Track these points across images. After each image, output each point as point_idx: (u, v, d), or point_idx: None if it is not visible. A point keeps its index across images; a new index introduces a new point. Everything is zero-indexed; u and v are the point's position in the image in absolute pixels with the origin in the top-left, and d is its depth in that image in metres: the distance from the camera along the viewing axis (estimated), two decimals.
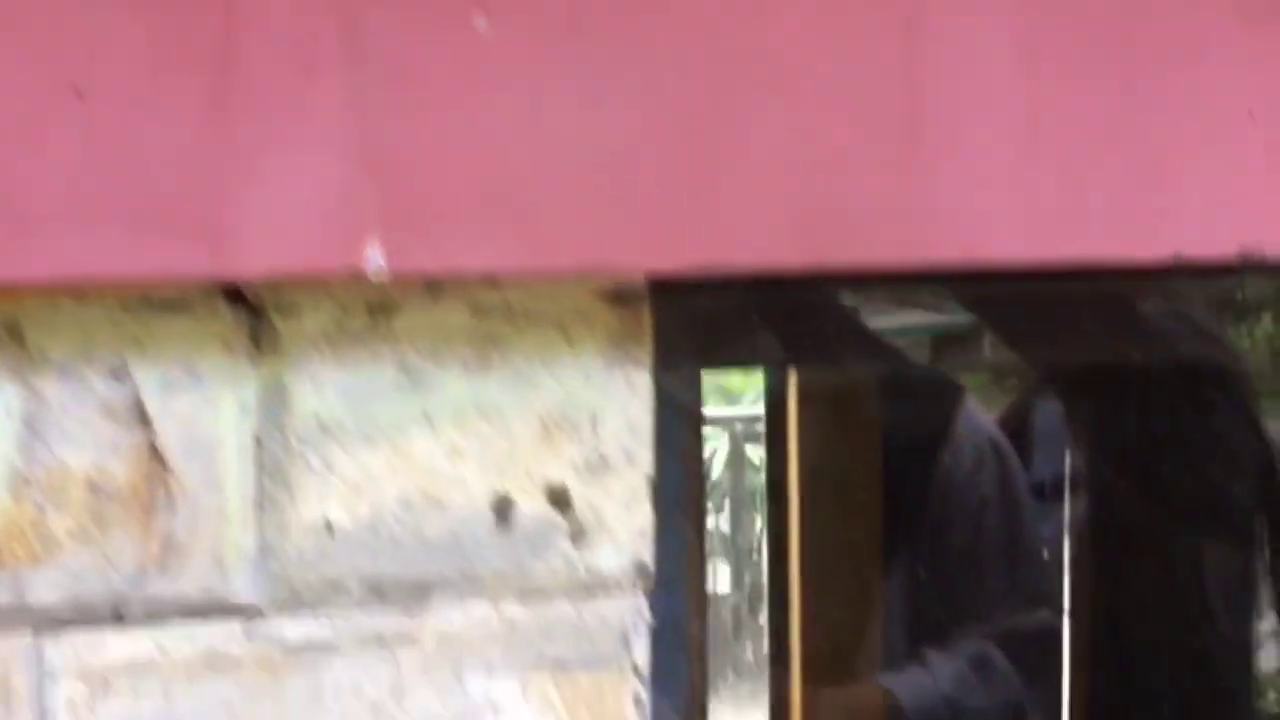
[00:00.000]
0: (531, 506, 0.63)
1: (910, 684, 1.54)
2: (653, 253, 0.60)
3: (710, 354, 0.67)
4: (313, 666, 0.62)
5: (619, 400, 0.64)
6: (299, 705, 0.61)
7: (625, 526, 0.65)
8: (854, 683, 1.59)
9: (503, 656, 0.64)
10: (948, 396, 1.67)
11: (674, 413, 0.66)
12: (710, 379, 5.09)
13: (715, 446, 4.55)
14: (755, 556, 4.03)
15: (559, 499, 0.64)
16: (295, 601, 0.61)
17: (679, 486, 0.67)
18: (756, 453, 3.97)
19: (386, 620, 0.62)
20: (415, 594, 0.63)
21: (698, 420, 0.67)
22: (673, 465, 0.66)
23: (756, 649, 3.89)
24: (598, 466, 0.64)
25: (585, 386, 0.64)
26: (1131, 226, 0.64)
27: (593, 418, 0.64)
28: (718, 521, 4.76)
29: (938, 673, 1.53)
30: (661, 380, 0.65)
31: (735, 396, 4.69)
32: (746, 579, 4.27)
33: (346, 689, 0.62)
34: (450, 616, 0.63)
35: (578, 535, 0.64)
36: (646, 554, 0.65)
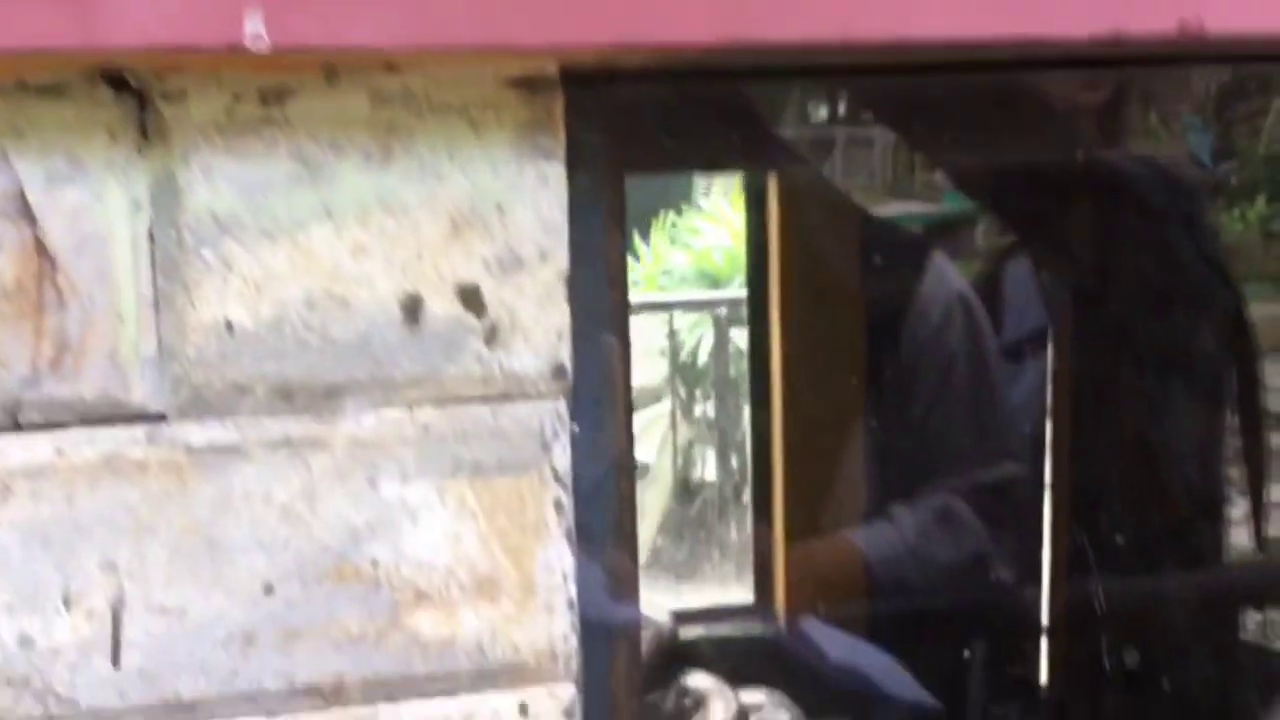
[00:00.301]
0: (442, 306, 0.61)
1: (875, 537, 1.54)
2: (559, 30, 0.57)
3: (630, 152, 0.64)
4: (220, 471, 0.60)
5: (530, 195, 0.61)
6: (206, 510, 0.60)
7: (540, 327, 0.62)
8: (823, 541, 1.59)
9: (417, 461, 0.62)
10: (916, 253, 1.65)
11: (592, 211, 0.64)
12: (696, 264, 5.06)
13: (701, 333, 4.54)
14: (742, 441, 4.04)
15: (470, 298, 0.61)
16: (199, 405, 0.59)
17: (599, 289, 0.65)
18: (743, 338, 3.95)
19: (295, 425, 0.61)
20: (324, 397, 0.61)
21: (619, 220, 0.65)
22: (591, 266, 0.64)
23: (741, 530, 3.92)
24: (510, 264, 0.62)
25: (494, 180, 0.61)
26: (1067, 2, 0.60)
27: (502, 213, 0.61)
28: (705, 409, 4.78)
29: (902, 526, 1.53)
30: (577, 176, 0.62)
31: (720, 282, 4.67)
32: (734, 465, 4.29)
33: (256, 494, 0.60)
34: (362, 421, 0.61)
35: (491, 336, 0.62)
36: (564, 356, 0.63)
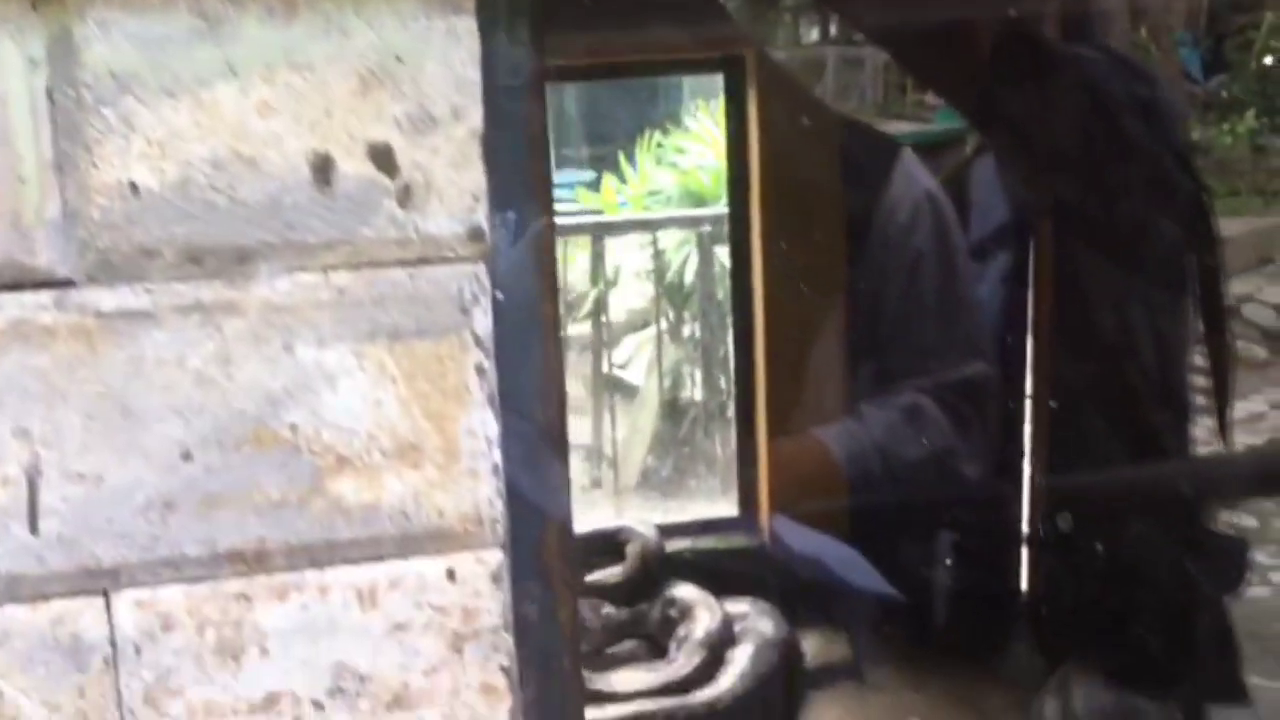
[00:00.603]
0: (353, 166, 0.60)
1: (843, 434, 1.54)
2: None
3: (549, 6, 0.63)
4: (130, 337, 0.59)
5: (440, 50, 0.60)
6: (118, 376, 0.59)
7: (456, 188, 0.61)
8: (792, 441, 1.59)
9: (334, 325, 0.61)
10: (885, 152, 1.63)
11: (509, 69, 0.63)
12: (683, 185, 5.02)
13: (687, 252, 4.51)
14: (726, 357, 4.04)
15: (382, 158, 0.60)
16: (106, 270, 0.59)
17: (517, 153, 0.64)
18: (726, 256, 3.92)
19: (207, 289, 0.60)
20: (235, 261, 0.60)
21: (538, 82, 0.63)
22: (509, 129, 0.63)
23: (727, 446, 3.94)
24: (422, 123, 0.60)
25: (403, 34, 0.59)
26: None
27: (413, 70, 0.60)
28: (693, 329, 4.77)
29: (870, 422, 1.53)
30: (490, 32, 0.61)
31: (708, 202, 4.63)
32: (721, 384, 4.29)
33: (169, 360, 0.60)
34: (275, 285, 0.61)
35: (405, 197, 0.61)
36: (481, 218, 0.62)
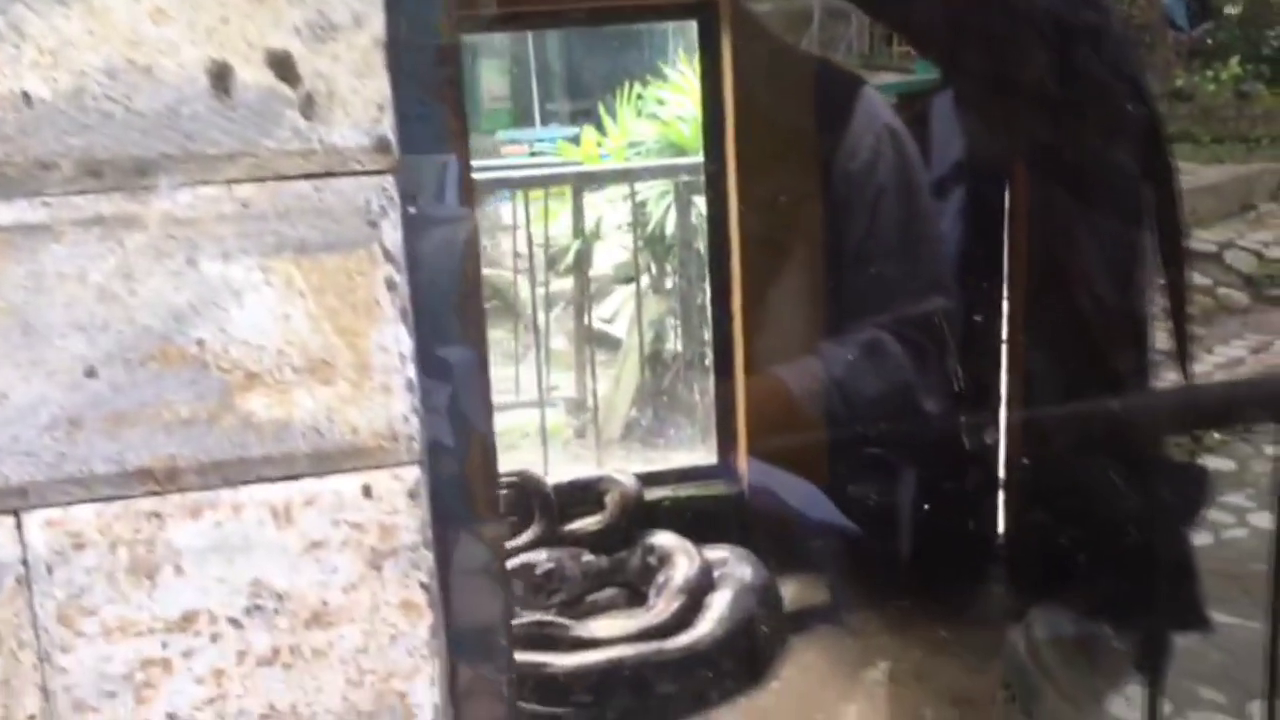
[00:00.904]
0: (253, 75, 0.59)
1: (801, 372, 1.54)
2: None
3: None
4: (29, 252, 0.58)
5: None
6: (18, 291, 0.58)
7: (360, 97, 0.60)
8: (753, 380, 1.59)
9: (239, 240, 0.60)
10: (846, 88, 1.61)
11: None
12: (664, 136, 4.99)
13: (667, 203, 4.49)
14: (705, 307, 4.03)
15: (283, 67, 0.59)
16: (2, 183, 0.58)
17: (426, 60, 0.63)
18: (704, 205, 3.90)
19: (107, 203, 0.59)
20: (135, 174, 0.59)
21: None
22: (415, 33, 0.62)
23: (705, 395, 3.94)
24: (322, 30, 0.59)
25: None
26: None
27: None
28: (676, 283, 4.75)
29: (829, 359, 1.52)
30: None
31: (689, 153, 4.60)
32: (702, 334, 4.28)
33: (70, 275, 0.59)
34: (177, 198, 0.60)
35: (308, 107, 0.60)
36: (387, 128, 0.61)
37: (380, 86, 0.61)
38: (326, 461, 0.63)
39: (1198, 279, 5.57)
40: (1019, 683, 1.65)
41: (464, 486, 0.67)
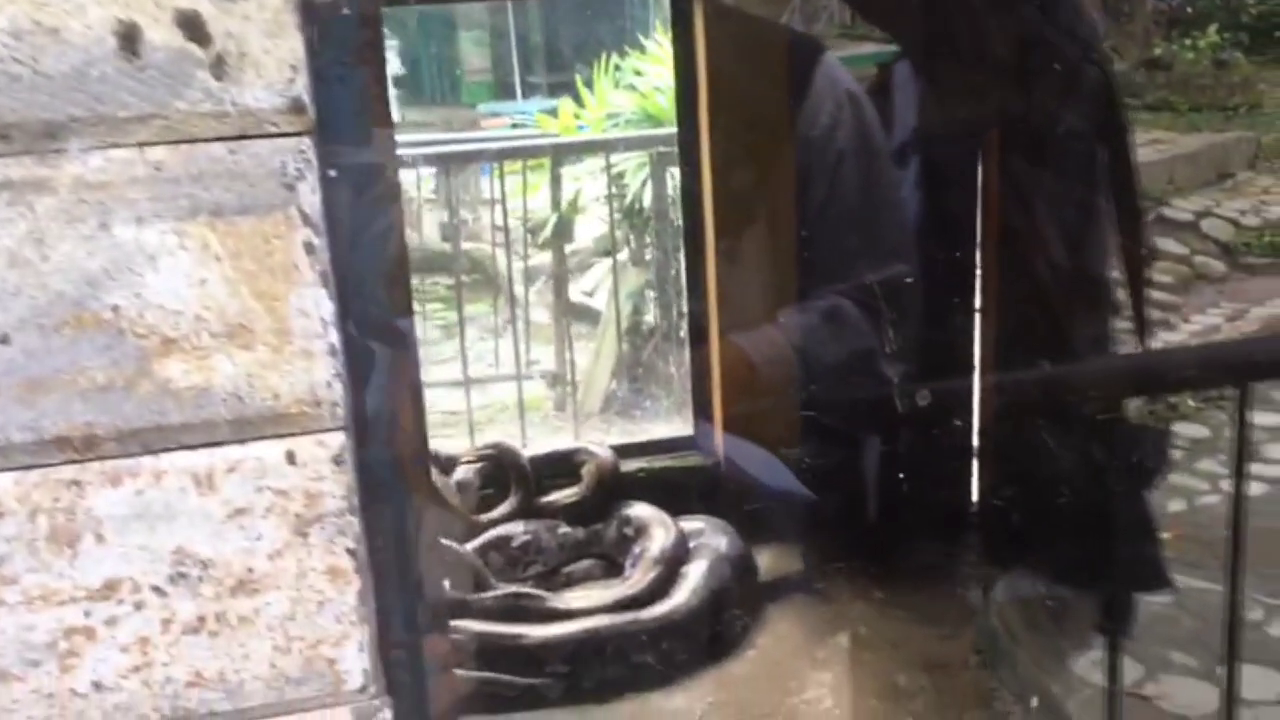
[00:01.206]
0: (162, 35, 0.58)
1: (760, 339, 1.53)
2: None
3: None
4: None
5: None
6: None
7: (273, 58, 0.60)
8: (721, 349, 1.59)
9: (152, 204, 0.60)
10: (806, 53, 1.61)
11: None
12: (642, 108, 4.97)
13: (645, 175, 4.47)
14: (680, 278, 4.02)
15: (192, 27, 0.58)
16: None
17: (342, 21, 0.62)
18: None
19: (15, 166, 0.58)
20: (44, 136, 0.58)
21: None
22: None
23: (680, 366, 3.94)
24: None
25: None
26: None
27: None
28: (655, 257, 4.75)
29: (789, 325, 1.52)
30: None
31: (663, 123, 4.58)
32: (678, 307, 4.28)
33: None
34: (88, 161, 0.59)
35: (219, 68, 0.59)
36: (301, 90, 0.60)
37: (294, 47, 0.60)
38: (248, 427, 0.63)
39: (1175, 248, 5.59)
40: (989, 647, 1.66)
41: (390, 451, 0.67)
